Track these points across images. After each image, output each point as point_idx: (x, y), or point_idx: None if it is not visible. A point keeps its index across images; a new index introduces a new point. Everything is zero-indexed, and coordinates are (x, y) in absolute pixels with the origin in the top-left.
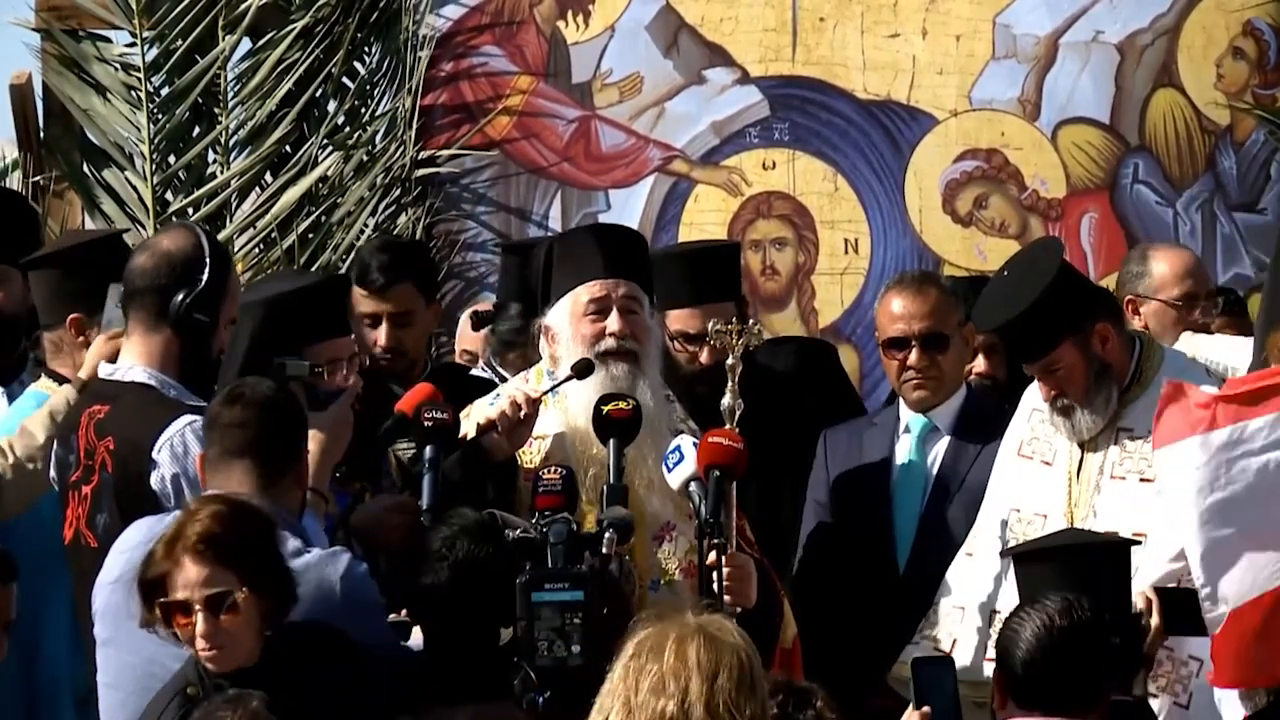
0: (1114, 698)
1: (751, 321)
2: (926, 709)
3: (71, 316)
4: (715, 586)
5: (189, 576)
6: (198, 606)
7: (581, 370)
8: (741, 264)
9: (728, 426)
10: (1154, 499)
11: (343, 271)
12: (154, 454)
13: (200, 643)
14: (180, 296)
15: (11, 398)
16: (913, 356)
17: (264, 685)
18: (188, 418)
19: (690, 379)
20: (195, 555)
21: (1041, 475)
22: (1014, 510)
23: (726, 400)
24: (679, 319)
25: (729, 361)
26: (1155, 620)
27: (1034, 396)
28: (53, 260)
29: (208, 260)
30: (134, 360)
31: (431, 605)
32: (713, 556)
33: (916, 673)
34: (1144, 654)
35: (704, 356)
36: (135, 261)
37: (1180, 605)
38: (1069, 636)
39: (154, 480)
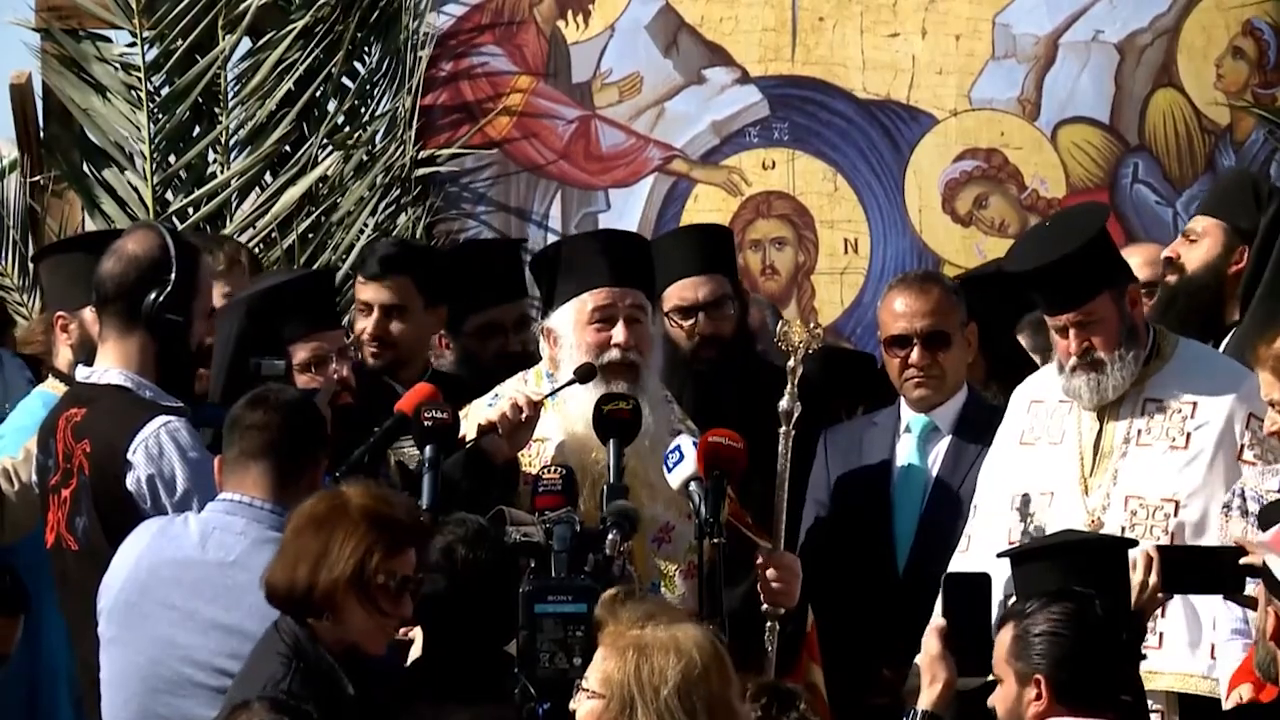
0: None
1: (813, 324)
2: (943, 622)
3: (56, 314)
4: (760, 588)
5: (410, 560)
6: (410, 589)
7: (584, 375)
8: (735, 247)
9: (784, 429)
10: (1186, 467)
11: (343, 270)
12: (129, 455)
13: (394, 622)
14: (151, 298)
15: None
16: (915, 355)
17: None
18: (163, 418)
19: (691, 356)
20: (419, 545)
21: (1049, 455)
22: (1019, 495)
23: (784, 403)
24: (676, 292)
25: (790, 364)
26: (1153, 579)
27: (1030, 389)
28: (76, 246)
29: (174, 259)
30: (110, 363)
31: (431, 610)
32: (760, 560)
33: (948, 588)
34: (1140, 612)
35: (701, 325)
36: (104, 267)
37: (1185, 563)
38: (1101, 631)
39: (129, 481)
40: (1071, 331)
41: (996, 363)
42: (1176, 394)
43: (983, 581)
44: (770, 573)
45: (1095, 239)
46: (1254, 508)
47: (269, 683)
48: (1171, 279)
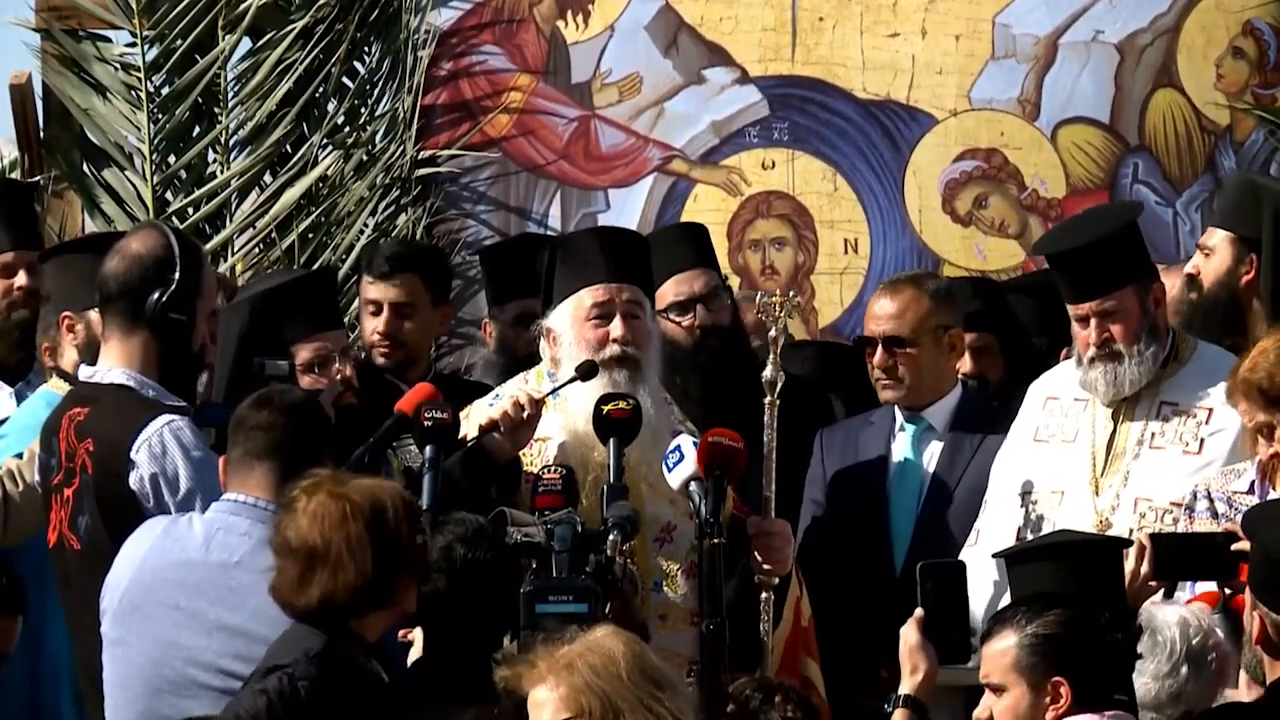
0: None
1: (792, 293)
2: (921, 612)
3: (63, 314)
4: (753, 561)
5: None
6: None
7: (585, 372)
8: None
9: (769, 399)
10: (1197, 472)
11: (343, 270)
12: (132, 454)
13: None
14: (155, 297)
15: (20, 399)
16: (876, 356)
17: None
18: (166, 417)
19: (695, 348)
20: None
21: (1062, 453)
22: (1026, 494)
23: (768, 372)
24: (671, 288)
25: (771, 333)
26: (1145, 568)
27: (1047, 385)
28: (85, 246)
29: (178, 259)
30: (113, 363)
31: (431, 610)
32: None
33: (923, 578)
34: (1130, 603)
35: (702, 317)
36: (107, 266)
37: (1178, 550)
38: (1107, 630)
39: (133, 480)
40: (1093, 321)
41: (1016, 366)
42: (1192, 398)
43: (957, 569)
44: (762, 540)
45: (1124, 228)
46: (1223, 509)
47: (303, 651)
48: (1194, 296)
